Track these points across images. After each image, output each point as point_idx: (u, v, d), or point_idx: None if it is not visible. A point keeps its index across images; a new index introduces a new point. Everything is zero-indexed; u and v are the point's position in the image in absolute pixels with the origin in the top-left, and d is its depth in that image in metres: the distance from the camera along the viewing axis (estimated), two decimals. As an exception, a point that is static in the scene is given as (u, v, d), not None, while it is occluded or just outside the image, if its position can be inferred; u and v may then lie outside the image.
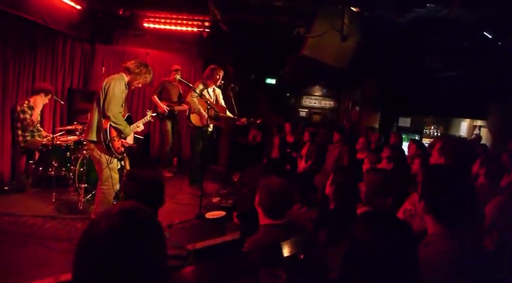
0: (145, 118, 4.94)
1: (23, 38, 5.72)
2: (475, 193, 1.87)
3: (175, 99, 7.03)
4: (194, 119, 5.96)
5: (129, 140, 4.56)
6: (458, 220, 1.72)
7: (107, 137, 4.13)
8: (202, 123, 5.83)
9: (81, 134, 5.39)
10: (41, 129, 5.88)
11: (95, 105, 4.17)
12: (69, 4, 6.47)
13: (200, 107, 5.82)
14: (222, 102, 6.26)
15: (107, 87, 4.07)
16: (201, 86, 5.90)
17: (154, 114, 5.09)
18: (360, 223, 1.31)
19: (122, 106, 4.27)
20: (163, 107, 6.74)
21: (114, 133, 4.21)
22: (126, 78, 4.26)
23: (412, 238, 1.27)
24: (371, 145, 6.48)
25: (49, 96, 5.68)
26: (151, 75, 4.44)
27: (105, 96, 4.06)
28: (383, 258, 1.21)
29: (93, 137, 4.14)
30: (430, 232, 1.78)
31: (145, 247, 1.01)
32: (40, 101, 5.59)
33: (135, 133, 4.82)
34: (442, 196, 1.75)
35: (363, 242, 1.27)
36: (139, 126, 4.78)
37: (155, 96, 6.81)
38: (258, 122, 6.14)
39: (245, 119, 5.96)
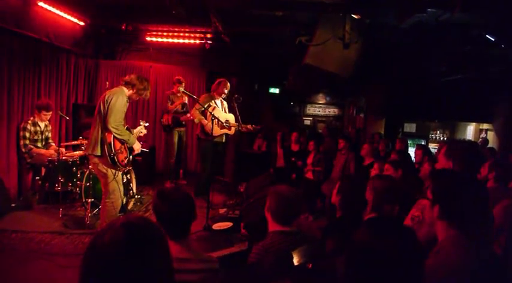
0: (142, 125, 4.91)
1: (27, 55, 5.79)
2: (488, 197, 1.84)
3: (180, 109, 7.07)
4: (214, 130, 6.03)
5: (136, 146, 4.52)
6: (473, 224, 1.69)
7: (112, 151, 4.13)
8: (215, 133, 5.94)
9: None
10: (53, 143, 5.90)
11: (97, 119, 4.16)
12: (72, 21, 6.57)
13: (202, 117, 6.01)
14: (227, 111, 6.44)
15: (109, 101, 4.07)
16: (206, 99, 5.97)
17: (147, 124, 5.08)
18: (364, 227, 1.28)
19: (123, 119, 4.29)
20: (189, 115, 6.83)
21: (118, 146, 4.21)
22: (127, 92, 4.28)
23: (419, 246, 1.24)
24: (380, 153, 6.41)
25: (46, 112, 5.61)
26: (150, 88, 4.54)
27: (107, 109, 4.06)
28: (386, 263, 1.18)
29: (98, 152, 4.11)
30: (441, 238, 1.74)
31: (149, 260, 1.01)
32: (38, 118, 5.61)
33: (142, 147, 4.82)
34: (457, 200, 1.72)
35: (365, 246, 1.25)
36: (142, 131, 4.80)
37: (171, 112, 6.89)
38: (259, 128, 6.36)
39: (250, 125, 6.17)
